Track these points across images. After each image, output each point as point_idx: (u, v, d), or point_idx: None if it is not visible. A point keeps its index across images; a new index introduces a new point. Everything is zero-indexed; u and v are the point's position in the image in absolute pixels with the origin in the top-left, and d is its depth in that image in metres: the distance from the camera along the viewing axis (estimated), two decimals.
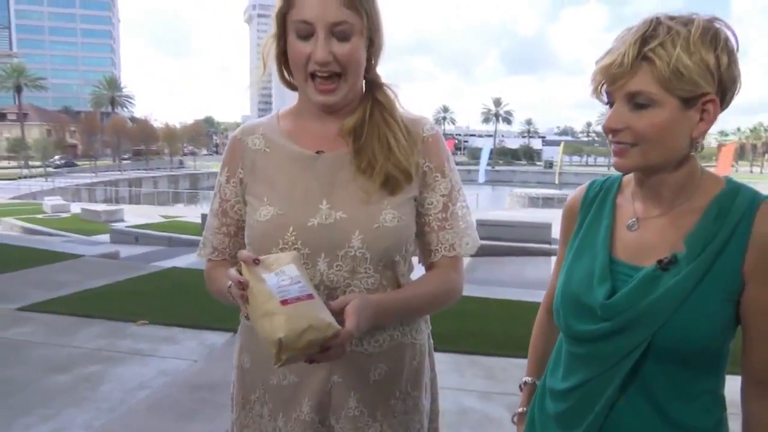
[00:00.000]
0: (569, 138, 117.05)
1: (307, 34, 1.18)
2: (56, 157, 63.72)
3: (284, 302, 1.06)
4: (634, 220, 1.15)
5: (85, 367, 3.99)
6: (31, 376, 3.82)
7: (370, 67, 1.29)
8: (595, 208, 1.22)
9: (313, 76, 1.21)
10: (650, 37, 1.00)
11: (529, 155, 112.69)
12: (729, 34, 1.02)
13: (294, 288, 1.09)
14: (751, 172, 78.83)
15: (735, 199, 1.05)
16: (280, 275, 1.10)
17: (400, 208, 1.26)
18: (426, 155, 1.32)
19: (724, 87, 1.03)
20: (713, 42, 1.00)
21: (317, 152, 1.29)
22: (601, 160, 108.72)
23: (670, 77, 0.99)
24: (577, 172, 71.28)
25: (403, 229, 1.27)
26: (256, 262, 1.10)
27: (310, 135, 1.31)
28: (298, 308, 1.06)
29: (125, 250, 10.62)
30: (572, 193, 1.31)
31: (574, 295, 1.15)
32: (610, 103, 1.06)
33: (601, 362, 1.10)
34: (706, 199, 1.08)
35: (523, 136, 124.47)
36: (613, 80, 1.02)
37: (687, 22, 1.01)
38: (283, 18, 1.22)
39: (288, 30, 1.22)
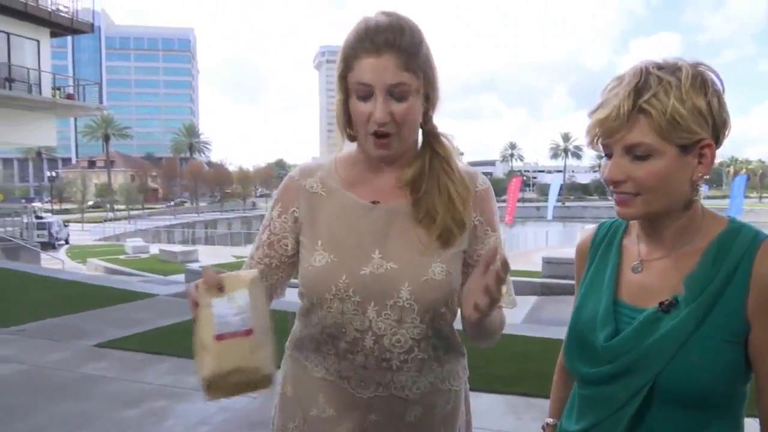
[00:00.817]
0: None
1: (366, 95, 1.24)
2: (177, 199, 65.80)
3: (219, 337, 1.04)
4: (638, 262, 1.15)
5: (153, 402, 4.18)
6: (103, 409, 4.04)
7: (427, 119, 1.34)
8: (603, 249, 1.23)
9: (373, 133, 1.27)
10: (643, 88, 1.01)
11: (601, 190, 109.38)
12: (714, 77, 1.04)
13: (236, 320, 1.07)
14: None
15: (736, 239, 1.04)
16: (231, 301, 1.08)
17: (449, 262, 1.30)
18: (478, 209, 1.36)
19: (718, 129, 1.04)
20: (702, 87, 1.02)
21: (373, 202, 1.33)
22: None
23: (666, 127, 1.00)
24: None
25: (452, 282, 1.29)
26: (217, 281, 1.11)
27: (367, 185, 1.36)
28: (229, 346, 1.04)
29: None
30: (582, 236, 1.32)
31: (579, 337, 1.16)
32: (608, 155, 1.07)
33: (607, 405, 1.09)
34: (707, 240, 1.08)
35: (594, 171, 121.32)
36: (609, 133, 1.04)
37: (675, 69, 1.03)
38: (344, 79, 1.28)
39: (349, 89, 1.28)
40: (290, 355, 1.45)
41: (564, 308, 10.23)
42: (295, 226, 1.37)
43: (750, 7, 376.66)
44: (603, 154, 1.09)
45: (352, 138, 1.37)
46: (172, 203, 71.12)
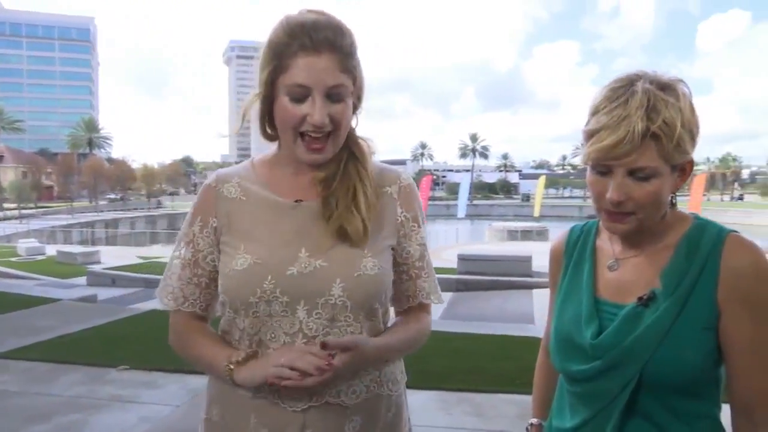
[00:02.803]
0: (545, 171, 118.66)
1: (301, 97, 1.18)
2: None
3: None
4: (613, 260, 1.22)
5: (65, 415, 3.87)
6: (8, 427, 3.70)
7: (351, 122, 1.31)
8: (578, 251, 1.29)
9: (302, 134, 1.21)
10: (653, 112, 1.04)
11: (507, 189, 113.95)
12: (689, 92, 1.10)
13: None
14: (722, 200, 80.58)
15: (703, 235, 1.12)
16: None
17: (380, 257, 1.27)
18: (403, 206, 1.35)
19: (695, 145, 1.11)
20: (692, 107, 1.08)
21: (296, 201, 1.29)
22: (576, 191, 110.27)
23: (672, 151, 1.05)
24: (554, 204, 72.01)
25: (383, 276, 1.28)
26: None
27: (288, 184, 1.31)
28: None
29: (102, 293, 10.43)
30: (554, 240, 1.38)
31: (566, 337, 1.20)
32: (603, 172, 1.10)
33: (599, 399, 1.14)
34: (676, 236, 1.15)
35: (500, 171, 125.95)
36: (618, 157, 1.06)
37: (672, 89, 1.07)
38: (273, 78, 1.20)
39: (277, 91, 1.21)
40: (213, 376, 1.34)
41: (479, 303, 10.59)
42: (215, 238, 1.31)
43: (641, 19, 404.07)
44: (596, 171, 1.11)
45: (271, 138, 1.30)
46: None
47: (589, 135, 1.09)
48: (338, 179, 1.28)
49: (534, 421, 1.44)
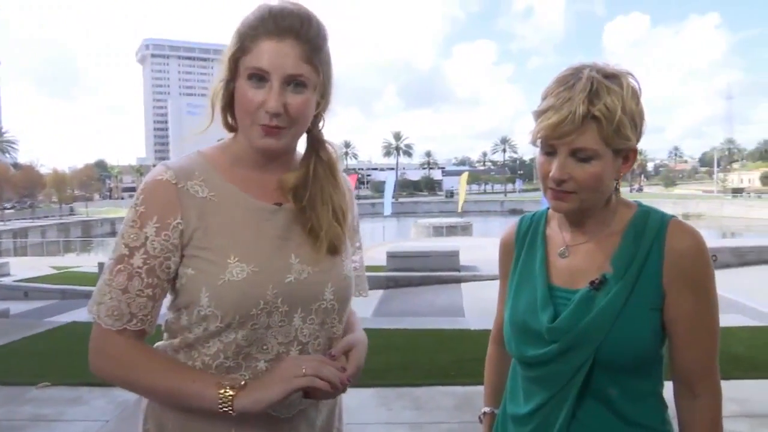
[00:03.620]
0: (467, 168, 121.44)
1: (260, 80, 1.14)
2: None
3: None
4: (564, 248, 1.26)
5: None
6: None
7: (315, 123, 1.26)
8: (528, 241, 1.33)
9: (263, 123, 1.16)
10: (595, 96, 1.10)
11: (431, 186, 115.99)
12: (638, 85, 1.17)
13: None
14: (630, 191, 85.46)
15: (647, 221, 1.19)
16: None
17: (349, 258, 1.31)
18: (352, 207, 1.37)
19: (639, 134, 1.18)
20: (635, 97, 1.15)
21: (276, 204, 1.22)
22: (497, 187, 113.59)
23: (611, 134, 1.11)
24: (477, 200, 73.86)
25: (353, 277, 1.31)
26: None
27: (255, 184, 1.23)
28: None
29: (15, 307, 9.82)
30: (505, 231, 1.42)
31: (521, 323, 1.24)
32: (550, 153, 1.16)
33: (555, 381, 1.19)
34: (622, 223, 1.21)
35: (424, 168, 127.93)
36: (559, 136, 1.12)
37: (616, 78, 1.13)
38: (235, 62, 1.16)
39: (239, 74, 1.16)
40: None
41: (410, 299, 10.72)
42: (178, 242, 1.16)
43: (553, 19, 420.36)
44: (543, 151, 1.17)
45: (232, 129, 1.26)
46: None
47: (537, 115, 1.14)
48: (309, 187, 1.24)
49: (486, 409, 1.46)
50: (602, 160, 1.12)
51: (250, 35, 1.14)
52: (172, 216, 1.15)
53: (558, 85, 1.13)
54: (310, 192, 1.23)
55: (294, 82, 1.14)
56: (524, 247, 1.33)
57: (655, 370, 1.20)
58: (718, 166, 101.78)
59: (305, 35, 1.14)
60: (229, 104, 1.21)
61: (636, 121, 1.14)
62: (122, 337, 1.15)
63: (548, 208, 1.32)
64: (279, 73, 1.12)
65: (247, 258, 1.16)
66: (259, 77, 1.13)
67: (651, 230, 1.17)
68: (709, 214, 55.80)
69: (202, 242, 1.16)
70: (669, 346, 1.19)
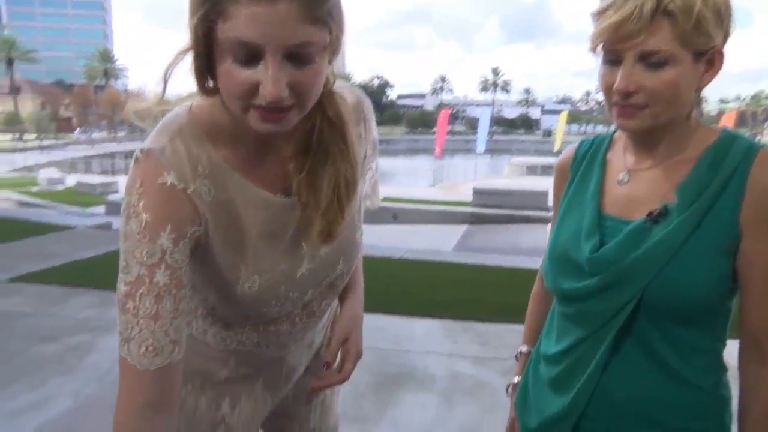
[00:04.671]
0: (568, 107, 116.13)
1: (250, 58, 0.84)
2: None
3: None
4: (624, 173, 1.08)
5: (74, 336, 3.95)
6: (19, 346, 3.78)
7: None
8: (585, 165, 1.16)
9: (261, 106, 0.88)
10: None
11: (528, 124, 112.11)
12: None
13: None
14: None
15: (731, 148, 0.98)
16: None
17: (361, 221, 1.22)
18: (368, 140, 1.17)
19: (726, 37, 0.95)
20: None
21: (284, 195, 1.04)
22: (600, 128, 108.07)
23: (690, 31, 0.91)
24: (576, 140, 70.64)
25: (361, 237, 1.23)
26: None
27: (261, 170, 1.03)
28: None
29: (117, 221, 10.54)
30: (562, 155, 1.24)
31: (562, 253, 1.09)
32: (613, 61, 0.97)
33: (592, 321, 1.04)
34: (700, 148, 1.01)
35: (521, 106, 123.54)
36: (625, 38, 0.92)
37: None
38: (206, 27, 0.84)
39: (217, 46, 0.85)
40: None
41: (492, 236, 10.58)
42: (194, 249, 0.99)
43: None
44: (605, 60, 0.98)
45: (214, 93, 0.93)
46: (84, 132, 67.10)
47: (596, 16, 0.96)
48: (312, 156, 1.02)
49: (523, 348, 1.36)
50: (679, 65, 0.92)
51: None
52: (188, 224, 0.95)
53: None
54: (311, 162, 1.02)
55: (299, 54, 0.85)
56: (580, 171, 1.16)
57: (716, 325, 1.01)
58: None
59: None
60: (207, 67, 0.90)
61: (721, 14, 0.92)
62: (166, 371, 0.92)
63: (615, 131, 1.13)
64: (275, 45, 0.82)
65: (258, 267, 1.04)
66: (249, 54, 0.83)
67: (733, 158, 0.96)
68: None
69: (213, 248, 1.01)
70: (740, 298, 0.99)
